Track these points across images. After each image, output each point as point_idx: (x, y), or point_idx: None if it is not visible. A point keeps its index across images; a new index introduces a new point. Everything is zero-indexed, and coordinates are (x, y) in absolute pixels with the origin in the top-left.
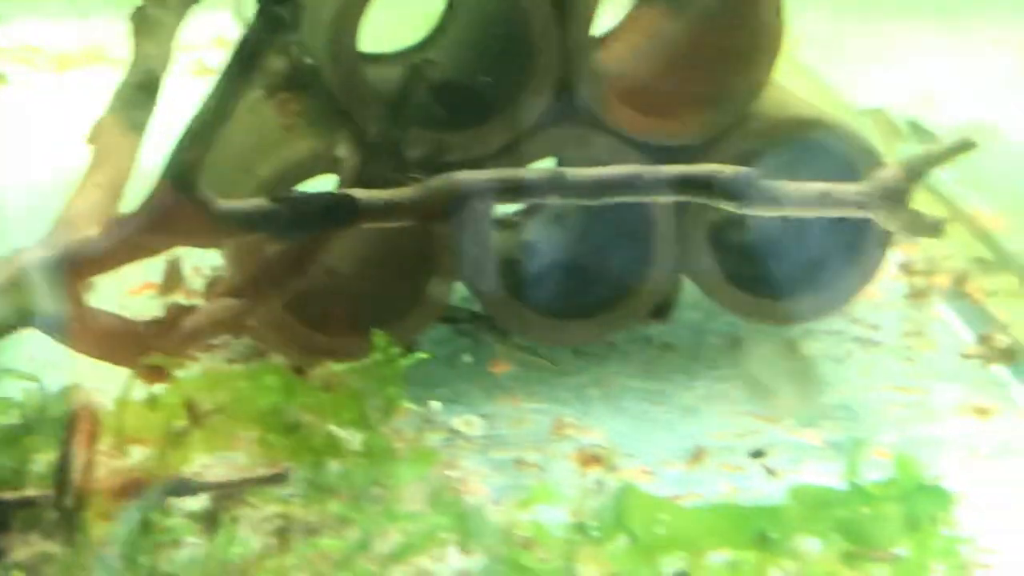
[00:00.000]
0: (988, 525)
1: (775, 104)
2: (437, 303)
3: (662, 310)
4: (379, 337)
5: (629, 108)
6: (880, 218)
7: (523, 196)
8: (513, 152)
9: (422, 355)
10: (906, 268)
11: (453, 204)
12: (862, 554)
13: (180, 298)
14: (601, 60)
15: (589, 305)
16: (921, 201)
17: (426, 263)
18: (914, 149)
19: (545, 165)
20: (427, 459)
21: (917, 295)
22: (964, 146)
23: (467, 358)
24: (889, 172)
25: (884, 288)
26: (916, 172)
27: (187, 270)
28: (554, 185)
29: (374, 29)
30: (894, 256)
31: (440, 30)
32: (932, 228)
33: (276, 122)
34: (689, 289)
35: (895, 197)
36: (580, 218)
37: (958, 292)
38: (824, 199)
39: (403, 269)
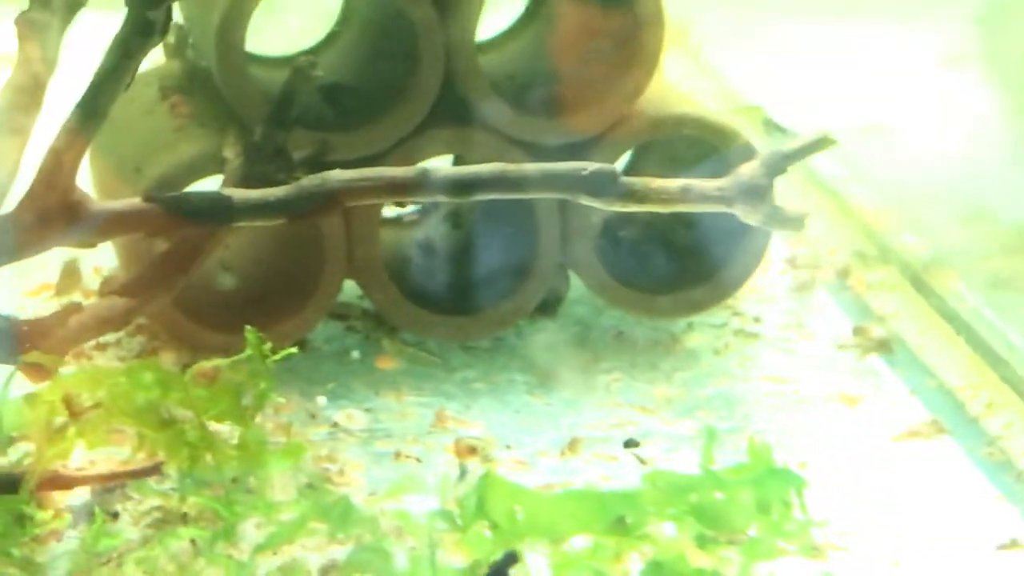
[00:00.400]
0: (846, 508)
1: (656, 102)
2: (327, 300)
3: (550, 306)
4: (251, 334)
5: (513, 108)
6: (741, 213)
7: (392, 195)
8: (400, 152)
9: (292, 351)
10: (791, 262)
11: (326, 203)
12: (715, 537)
13: (78, 298)
14: (489, 61)
15: (477, 302)
16: (810, 196)
17: (317, 260)
18: (775, 145)
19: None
20: (297, 452)
21: (800, 288)
22: (822, 144)
23: (356, 354)
24: (749, 168)
25: (769, 282)
26: (775, 168)
27: (88, 270)
28: (421, 184)
29: (286, 32)
30: (780, 250)
31: (334, 33)
32: (794, 222)
33: (169, 124)
34: (578, 284)
35: (755, 192)
36: (471, 216)
37: (841, 285)
38: (685, 194)
39: (294, 266)
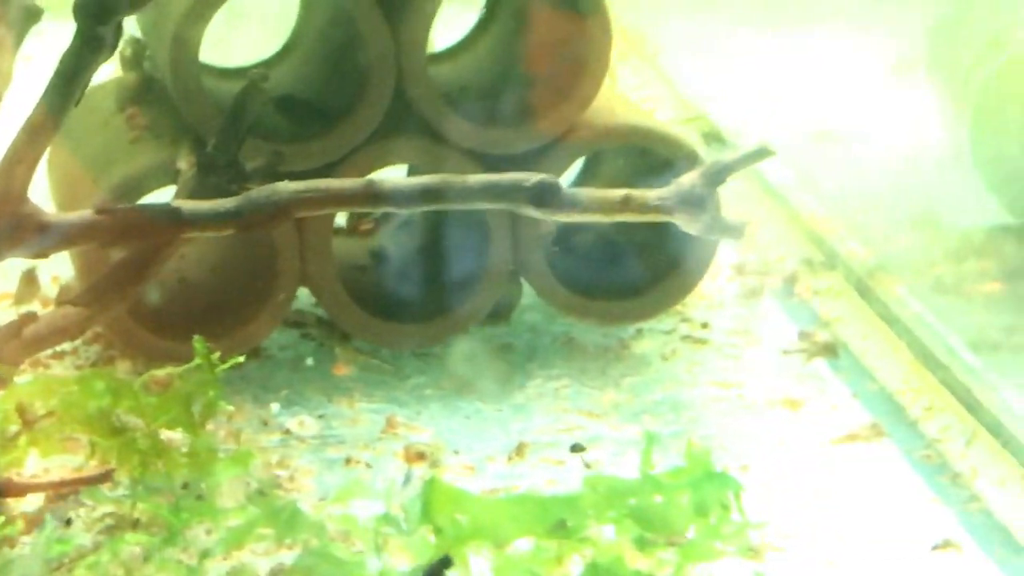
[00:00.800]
0: (785, 510)
1: (605, 112)
2: (281, 309)
3: (502, 312)
4: (199, 344)
5: (465, 118)
6: (682, 222)
7: (339, 206)
8: (353, 163)
9: (239, 360)
10: (740, 269)
11: (275, 214)
12: (654, 540)
13: (37, 307)
14: (442, 72)
15: (429, 309)
16: (760, 202)
17: (271, 269)
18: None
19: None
20: (245, 459)
21: (748, 295)
22: (761, 154)
23: (310, 361)
24: (688, 178)
25: (718, 288)
26: (715, 178)
27: (46, 279)
28: (367, 195)
29: (247, 41)
30: (729, 257)
31: (290, 45)
32: (735, 231)
33: (125, 135)
34: (532, 290)
35: (695, 202)
36: (425, 224)
37: (788, 291)
38: (626, 204)
39: (248, 274)
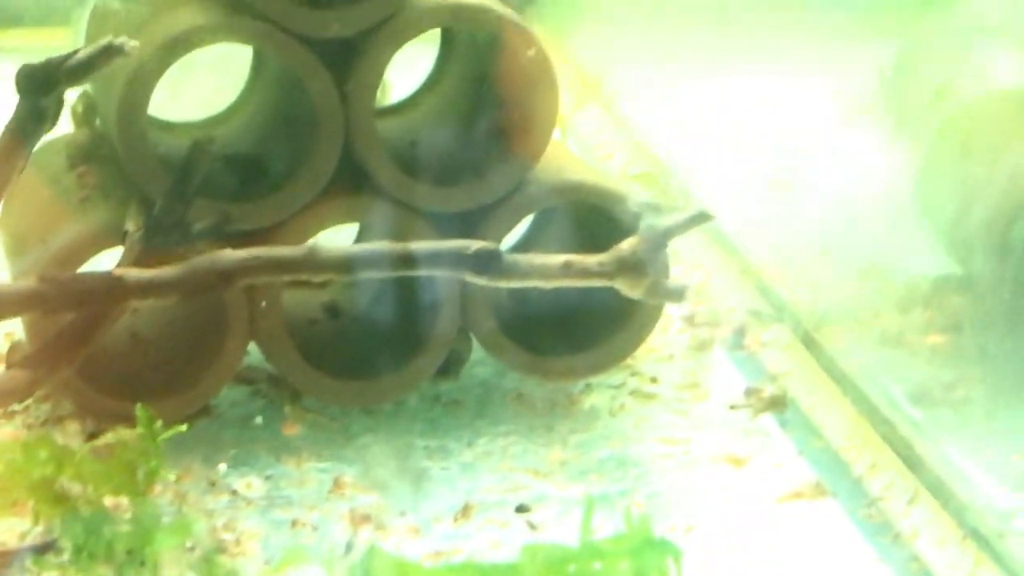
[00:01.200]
0: (729, 571)
1: (553, 170)
2: (230, 366)
3: (452, 367)
4: (141, 411)
5: (412, 176)
6: (623, 287)
7: (281, 273)
8: (301, 221)
9: (181, 429)
10: (690, 320)
11: (217, 282)
12: None
13: None
14: (391, 128)
15: (378, 366)
16: (712, 250)
17: (220, 327)
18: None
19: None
20: (186, 528)
21: (698, 347)
22: (699, 219)
23: (259, 420)
24: (629, 243)
25: (667, 341)
26: (655, 244)
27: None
28: (309, 263)
29: (202, 92)
30: (680, 308)
31: (240, 101)
32: (676, 294)
33: (76, 194)
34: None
35: (635, 267)
36: (375, 280)
37: (737, 343)
38: (567, 270)
39: (200, 329)
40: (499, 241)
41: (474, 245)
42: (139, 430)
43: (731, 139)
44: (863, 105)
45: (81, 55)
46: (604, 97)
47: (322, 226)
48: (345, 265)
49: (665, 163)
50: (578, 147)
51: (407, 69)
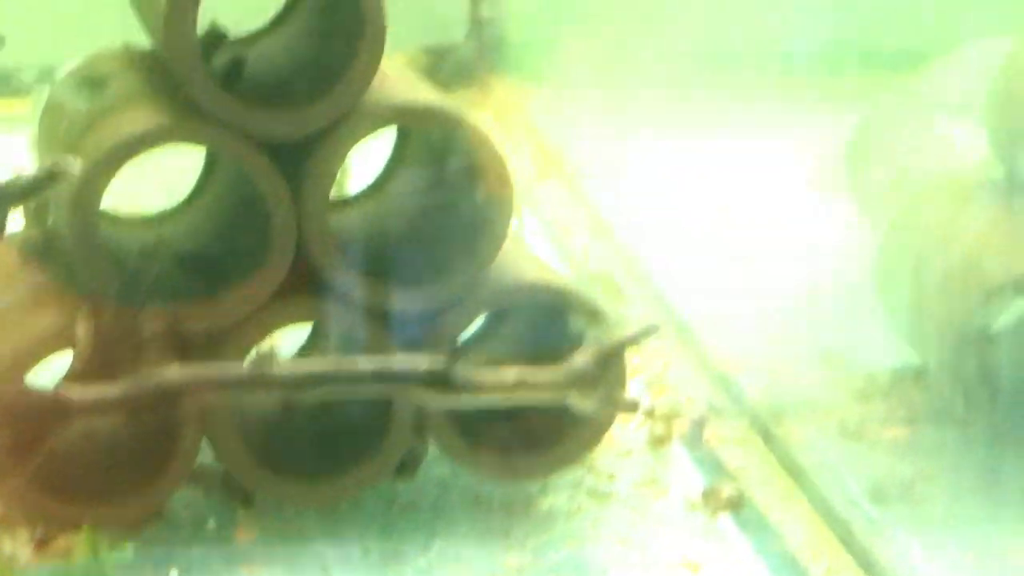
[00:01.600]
0: None
1: (507, 269)
2: (183, 469)
3: (408, 467)
4: (88, 534)
5: (367, 276)
6: (574, 401)
7: (227, 390)
8: (255, 322)
9: (125, 552)
10: (649, 413)
11: (162, 398)
12: None
13: None
14: (347, 221)
15: (333, 466)
16: (671, 341)
17: (172, 429)
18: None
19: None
20: None
21: (656, 442)
22: (647, 333)
23: (212, 523)
24: (580, 357)
25: (626, 434)
26: (605, 358)
27: None
28: (257, 381)
29: (164, 177)
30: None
31: (192, 198)
32: (629, 406)
33: (27, 293)
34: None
35: (586, 381)
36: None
37: (696, 437)
38: (519, 385)
39: (150, 433)
40: (454, 340)
41: (424, 362)
42: (85, 554)
43: (691, 218)
44: (829, 172)
45: (25, 179)
46: (566, 172)
47: (277, 325)
48: (295, 383)
49: (625, 245)
50: (540, 223)
51: (369, 150)
